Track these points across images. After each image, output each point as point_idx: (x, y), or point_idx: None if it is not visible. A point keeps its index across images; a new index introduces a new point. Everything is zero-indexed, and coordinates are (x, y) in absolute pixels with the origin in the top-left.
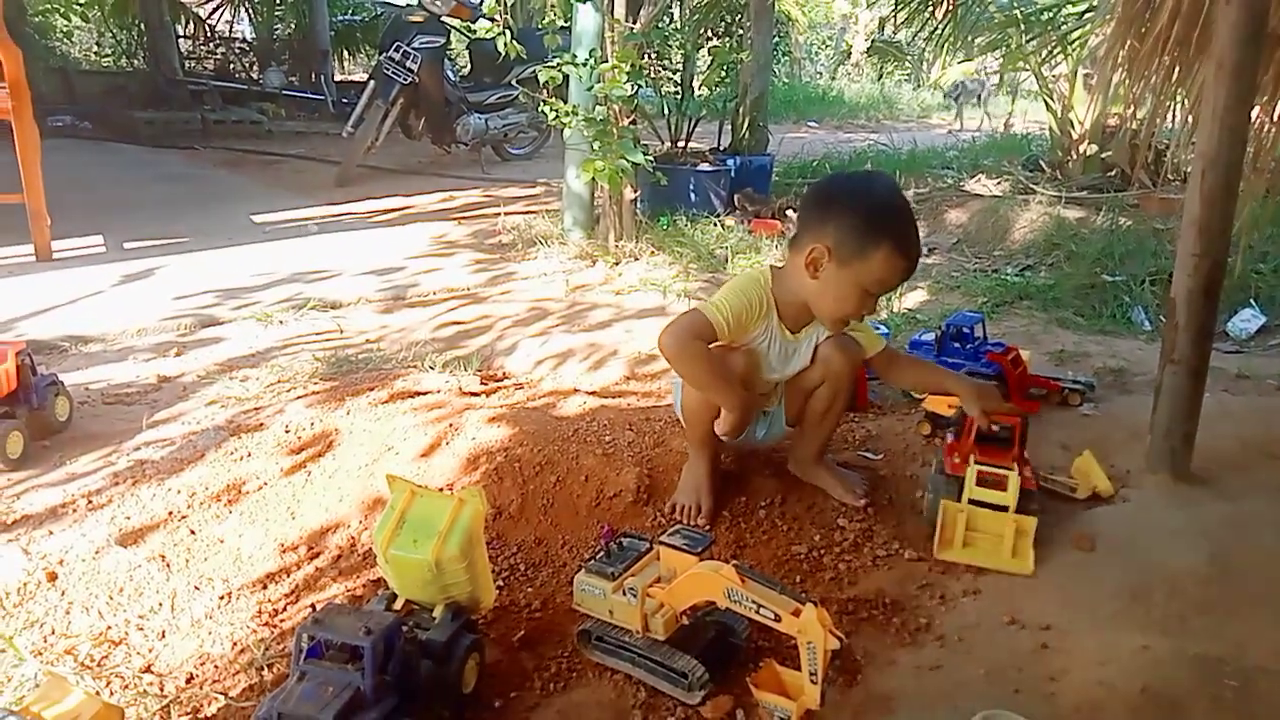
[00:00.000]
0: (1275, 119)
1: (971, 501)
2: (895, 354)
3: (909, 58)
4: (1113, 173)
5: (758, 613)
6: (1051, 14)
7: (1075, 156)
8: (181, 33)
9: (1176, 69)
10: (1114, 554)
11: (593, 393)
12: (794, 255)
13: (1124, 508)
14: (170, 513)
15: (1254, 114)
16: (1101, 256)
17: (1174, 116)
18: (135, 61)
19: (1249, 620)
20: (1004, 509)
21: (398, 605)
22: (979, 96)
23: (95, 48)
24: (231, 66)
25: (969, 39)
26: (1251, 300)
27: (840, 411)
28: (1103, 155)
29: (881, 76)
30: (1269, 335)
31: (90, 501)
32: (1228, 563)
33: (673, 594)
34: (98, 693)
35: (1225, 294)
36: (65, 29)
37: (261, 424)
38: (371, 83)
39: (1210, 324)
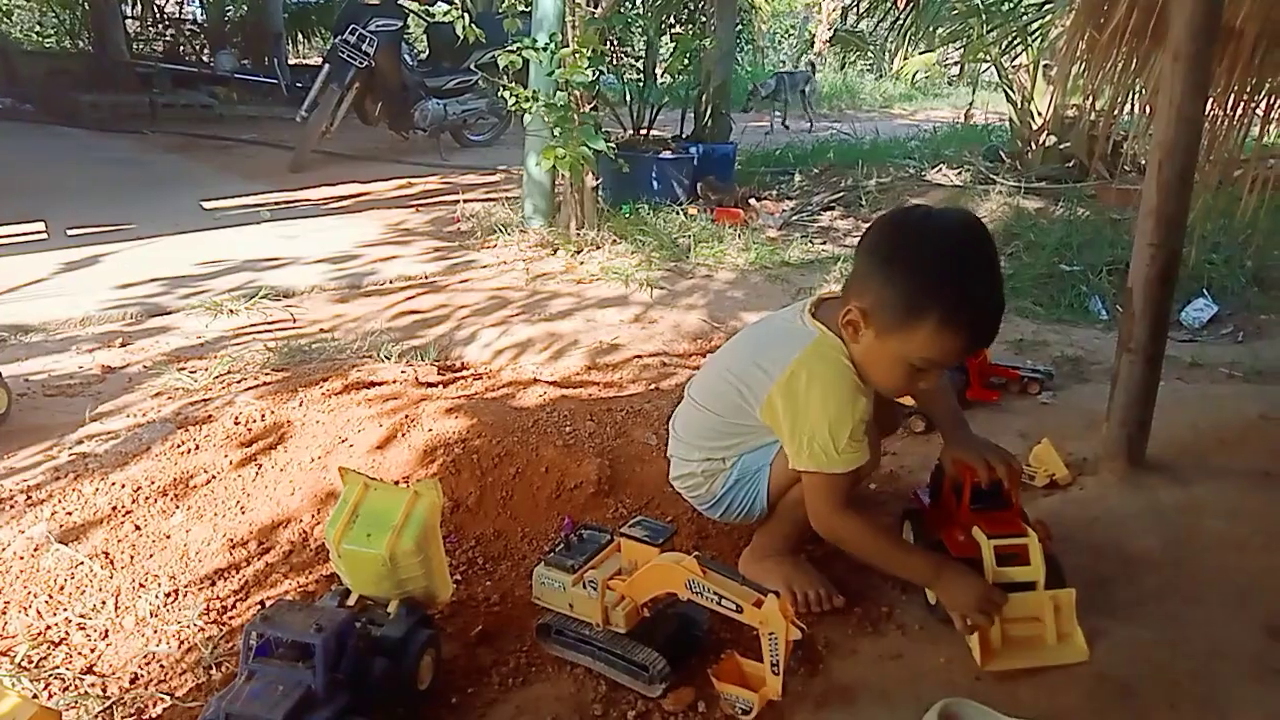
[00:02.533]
0: (1228, 110)
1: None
2: (944, 388)
3: (872, 47)
4: (1071, 163)
5: (719, 604)
6: (1012, 5)
7: (1034, 147)
8: (129, 13)
9: (1134, 60)
10: (1071, 540)
11: (553, 383)
12: (840, 304)
13: (1081, 494)
14: (114, 508)
15: (1208, 105)
16: (1060, 246)
17: (1132, 108)
18: (80, 42)
19: (1203, 604)
20: (1032, 586)
21: (351, 601)
22: (802, 90)
23: (37, 27)
24: (181, 49)
25: (930, 29)
26: (1204, 290)
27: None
28: (1061, 146)
29: (844, 66)
30: (1220, 324)
31: (29, 497)
32: (1182, 548)
33: (634, 586)
34: (35, 695)
35: (1179, 284)
36: (5, 7)
37: (210, 416)
38: (326, 66)
39: (1166, 313)
